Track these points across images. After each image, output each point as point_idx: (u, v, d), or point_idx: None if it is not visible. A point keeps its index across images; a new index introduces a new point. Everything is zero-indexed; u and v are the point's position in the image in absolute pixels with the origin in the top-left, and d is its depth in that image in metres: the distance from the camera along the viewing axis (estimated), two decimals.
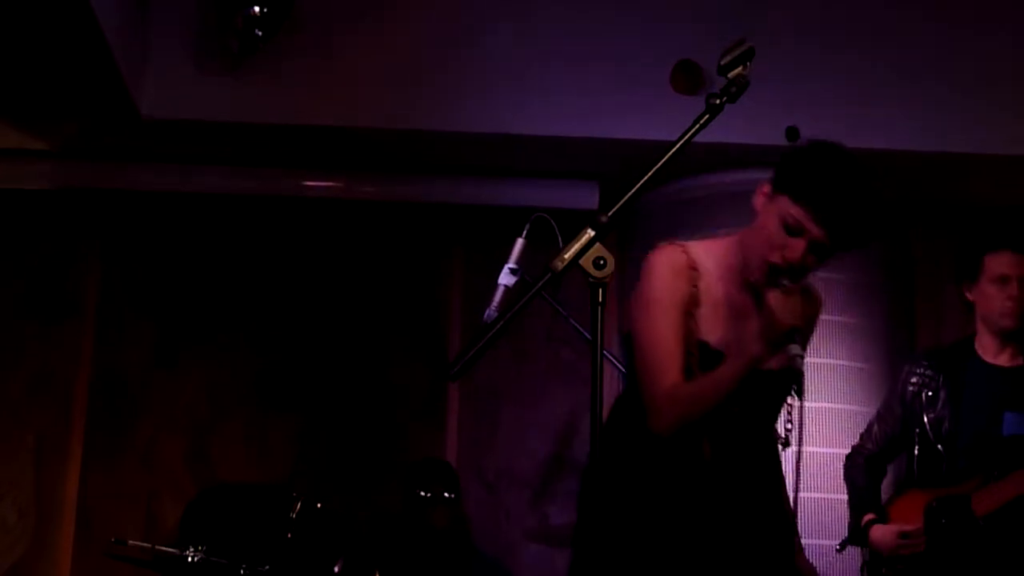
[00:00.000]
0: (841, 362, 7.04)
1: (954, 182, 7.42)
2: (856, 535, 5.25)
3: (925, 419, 5.14)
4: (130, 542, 5.97)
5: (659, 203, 7.27)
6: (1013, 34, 7.00)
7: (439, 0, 6.98)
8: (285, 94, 6.85)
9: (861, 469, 5.40)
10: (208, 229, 7.74)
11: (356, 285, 7.74)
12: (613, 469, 3.57)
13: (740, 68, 3.08)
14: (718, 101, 3.04)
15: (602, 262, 2.82)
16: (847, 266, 7.17)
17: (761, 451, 3.71)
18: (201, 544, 5.70)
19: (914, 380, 5.24)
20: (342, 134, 7.02)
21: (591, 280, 2.83)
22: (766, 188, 3.58)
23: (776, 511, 3.74)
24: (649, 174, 2.99)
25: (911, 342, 7.58)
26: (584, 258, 2.82)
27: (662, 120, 6.60)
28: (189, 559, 5.65)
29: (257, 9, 6.49)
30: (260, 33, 6.55)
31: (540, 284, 2.86)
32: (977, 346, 5.21)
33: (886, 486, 5.50)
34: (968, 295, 5.23)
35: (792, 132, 7.07)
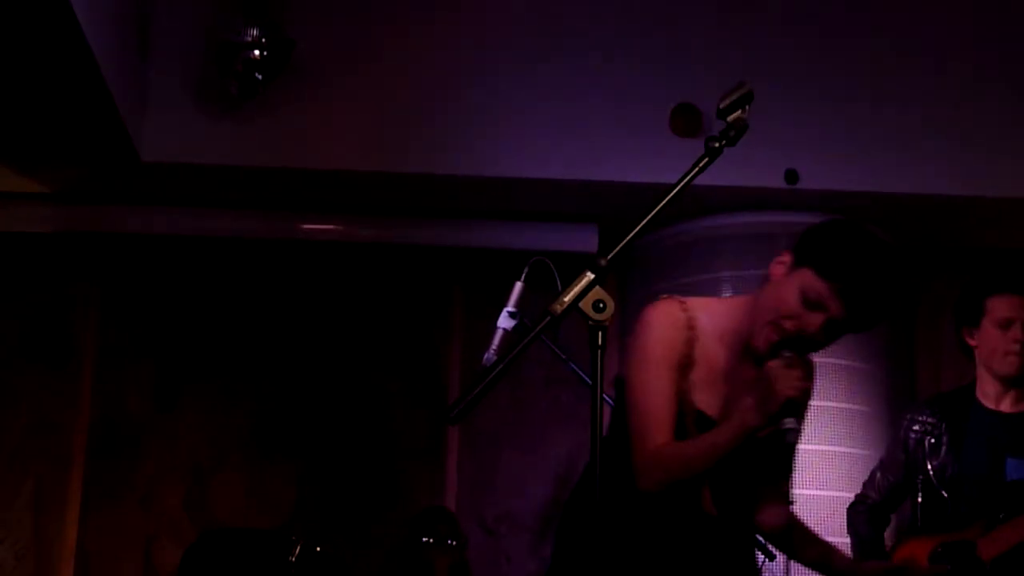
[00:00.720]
0: (840, 405, 7.03)
1: (954, 225, 7.43)
2: None
3: (929, 466, 5.12)
4: None
5: (659, 246, 7.28)
6: (1014, 78, 7.03)
7: (438, 44, 7.00)
8: (284, 138, 6.87)
9: (864, 518, 5.38)
10: (207, 273, 7.75)
11: (355, 329, 7.73)
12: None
13: (739, 112, 3.08)
14: (717, 144, 3.04)
15: (602, 305, 2.81)
16: None
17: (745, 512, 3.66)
18: None
19: (916, 428, 5.22)
20: (341, 177, 7.03)
21: (591, 323, 2.82)
22: (787, 258, 3.52)
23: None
24: (648, 217, 2.98)
25: (910, 385, 7.58)
26: (583, 301, 2.82)
27: (661, 163, 6.62)
28: None
29: (257, 53, 6.52)
30: (260, 77, 6.58)
31: (539, 327, 2.86)
32: (979, 392, 5.18)
33: (889, 534, 5.49)
34: (969, 340, 5.19)
35: (791, 175, 7.13)
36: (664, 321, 3.53)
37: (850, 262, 3.38)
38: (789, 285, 3.45)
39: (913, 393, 7.52)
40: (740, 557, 3.65)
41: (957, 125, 6.95)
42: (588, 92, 6.93)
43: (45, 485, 7.47)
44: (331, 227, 7.54)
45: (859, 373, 7.11)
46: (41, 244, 7.61)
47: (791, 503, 3.82)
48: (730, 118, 3.09)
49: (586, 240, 7.34)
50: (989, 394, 5.15)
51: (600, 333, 2.82)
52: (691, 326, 3.52)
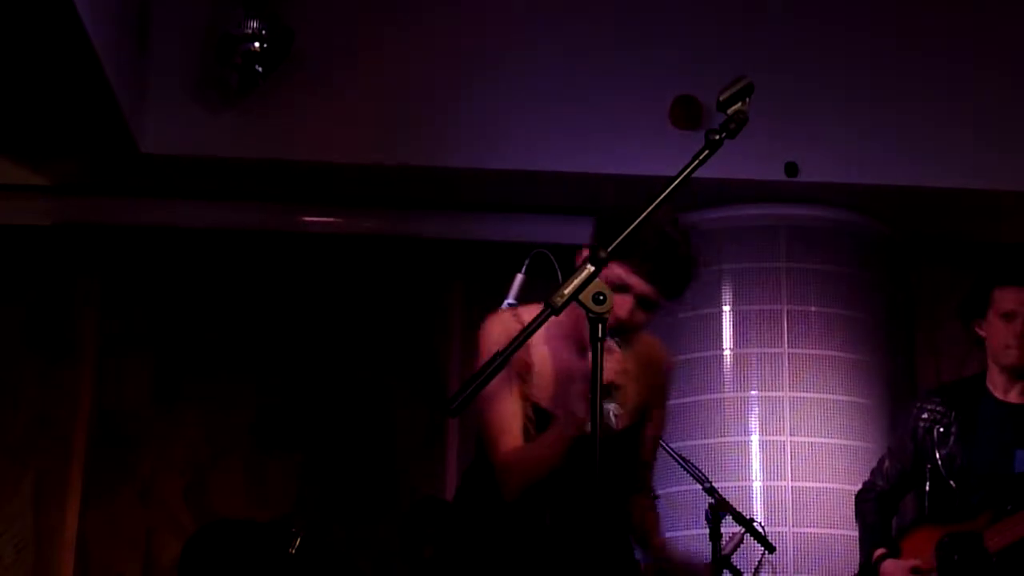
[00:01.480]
0: (840, 397, 7.03)
1: (954, 218, 7.42)
2: (867, 571, 5.22)
3: (937, 455, 5.12)
4: None
5: None
6: (1016, 70, 7.03)
7: (438, 36, 7.00)
8: (284, 130, 6.87)
9: (872, 506, 5.38)
10: (207, 265, 7.74)
11: (355, 321, 7.73)
12: (465, 531, 3.69)
13: (739, 104, 3.07)
14: (717, 137, 3.03)
15: (602, 297, 2.81)
16: (847, 302, 7.18)
17: (602, 514, 3.62)
18: None
19: (925, 416, 5.21)
20: (341, 170, 7.03)
21: (591, 315, 2.82)
22: (584, 252, 3.58)
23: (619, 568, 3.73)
24: (649, 209, 2.98)
25: (910, 377, 7.58)
26: (584, 293, 2.82)
27: (661, 156, 6.62)
28: None
29: (257, 45, 6.52)
30: (260, 69, 6.58)
31: (539, 319, 2.86)
32: (989, 383, 5.18)
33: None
34: (979, 331, 5.20)
35: (791, 168, 7.13)
36: (497, 330, 3.61)
37: (631, 239, 3.25)
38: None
39: (913, 385, 7.52)
40: (586, 565, 3.60)
41: (958, 117, 6.95)
42: (589, 85, 6.93)
43: (45, 478, 7.47)
44: (331, 219, 7.54)
45: (859, 365, 7.11)
46: (41, 236, 7.60)
47: (653, 496, 3.88)
48: (730, 110, 3.08)
49: (587, 232, 7.31)
50: (999, 385, 5.15)
51: (600, 325, 2.82)
52: (524, 348, 3.46)
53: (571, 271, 2.84)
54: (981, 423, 5.10)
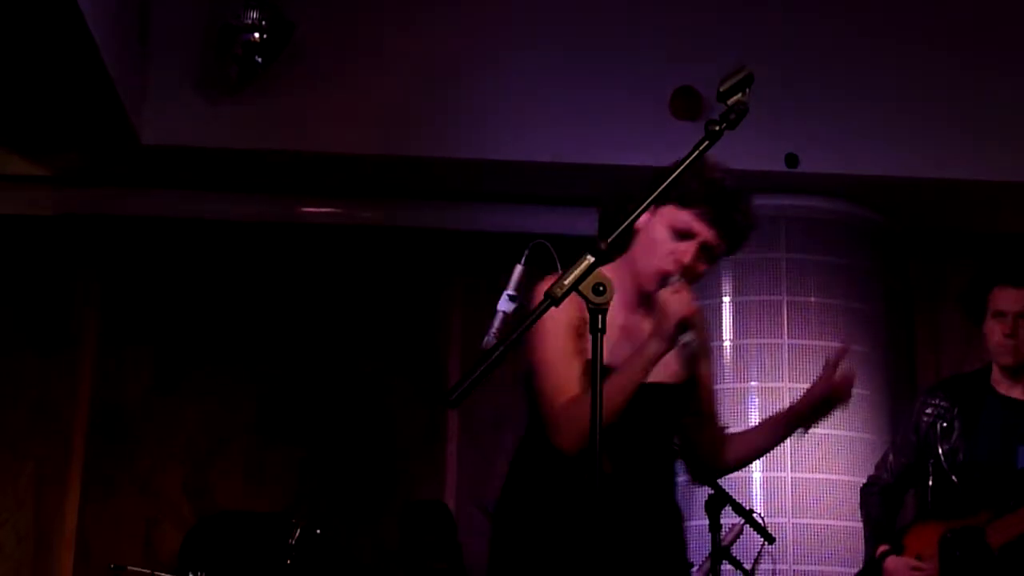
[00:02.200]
0: None
1: (954, 210, 7.42)
2: (871, 567, 5.23)
3: (940, 450, 5.12)
4: (129, 568, 5.98)
5: None
6: (1012, 61, 7.02)
7: (438, 27, 7.00)
8: (284, 121, 6.87)
9: (876, 500, 5.38)
10: (208, 256, 7.74)
11: (355, 312, 7.73)
12: (521, 511, 3.71)
13: (739, 95, 3.07)
14: (717, 127, 3.03)
15: (601, 288, 2.81)
16: (847, 293, 7.18)
17: (659, 466, 3.72)
18: (200, 570, 5.70)
19: (929, 411, 5.22)
20: (341, 161, 7.03)
21: (591, 306, 2.82)
22: (652, 209, 3.63)
23: (673, 524, 3.76)
24: (649, 200, 2.99)
25: (910, 369, 7.58)
26: (583, 284, 2.82)
27: (662, 147, 6.62)
28: None
29: (256, 36, 6.52)
30: (260, 60, 6.58)
31: (540, 310, 2.86)
32: (992, 378, 5.19)
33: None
34: (984, 330, 5.23)
35: (791, 158, 7.13)
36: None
37: (702, 186, 3.57)
38: (655, 229, 3.62)
39: (913, 377, 7.52)
40: (646, 515, 3.67)
41: (958, 110, 6.95)
42: (589, 76, 6.93)
43: (46, 469, 7.47)
44: (331, 210, 7.55)
45: (858, 357, 7.11)
46: (41, 227, 7.60)
47: (725, 427, 3.91)
48: (730, 101, 3.08)
49: (586, 223, 7.31)
50: (1002, 381, 5.16)
51: (600, 316, 2.82)
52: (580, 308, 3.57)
53: (571, 262, 2.84)
54: (984, 418, 5.11)
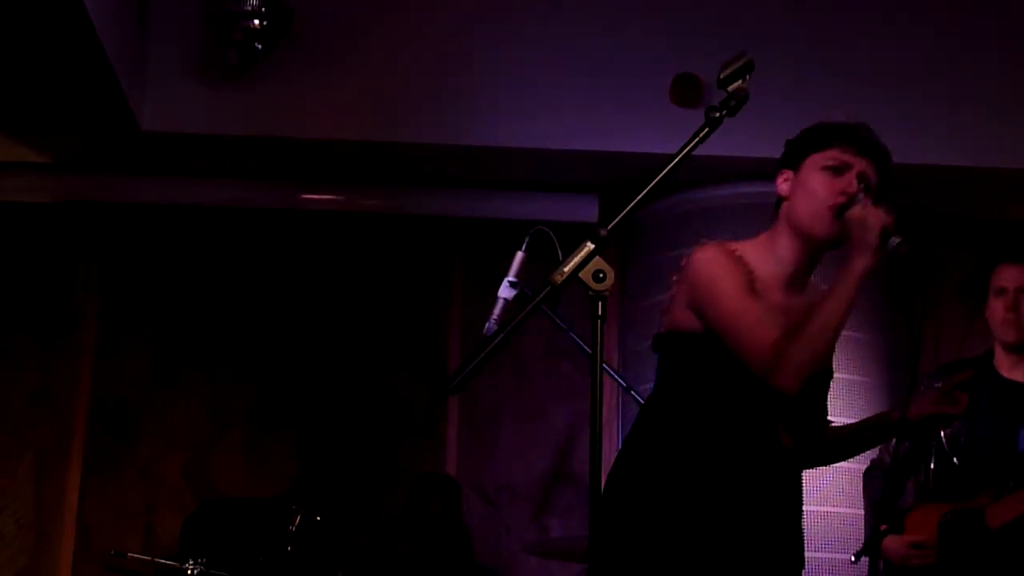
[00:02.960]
0: (841, 375, 7.02)
1: (955, 196, 7.42)
2: (870, 546, 5.24)
3: (941, 433, 5.15)
4: (129, 555, 5.98)
5: (659, 216, 7.27)
6: (1017, 48, 7.01)
7: (439, 14, 6.98)
8: (284, 107, 6.86)
9: (878, 483, 5.40)
10: (208, 242, 7.74)
11: (355, 298, 7.73)
12: (657, 473, 3.54)
13: (739, 81, 3.08)
14: (718, 114, 3.04)
15: (602, 275, 2.81)
16: None
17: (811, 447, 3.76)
18: (201, 557, 5.70)
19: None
20: (342, 147, 7.02)
21: (591, 293, 2.82)
22: (785, 173, 3.68)
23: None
24: (649, 187, 2.99)
25: (912, 355, 7.58)
26: (584, 271, 2.82)
27: (662, 133, 6.62)
28: (189, 572, 5.65)
29: (256, 22, 6.50)
30: (260, 46, 6.56)
31: (540, 297, 2.86)
32: (995, 361, 5.21)
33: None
34: (985, 313, 5.26)
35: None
36: (723, 256, 3.59)
37: (828, 128, 3.67)
38: (808, 179, 3.63)
39: (914, 363, 7.51)
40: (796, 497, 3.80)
41: (960, 96, 6.94)
42: (589, 62, 6.92)
43: (46, 456, 7.47)
44: (331, 197, 7.54)
45: (859, 343, 7.11)
46: (40, 214, 7.60)
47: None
48: (731, 88, 3.09)
49: (587, 210, 7.33)
50: (1004, 363, 5.19)
51: (600, 303, 2.82)
52: (745, 262, 3.60)
53: (571, 248, 2.84)
54: (986, 401, 5.13)
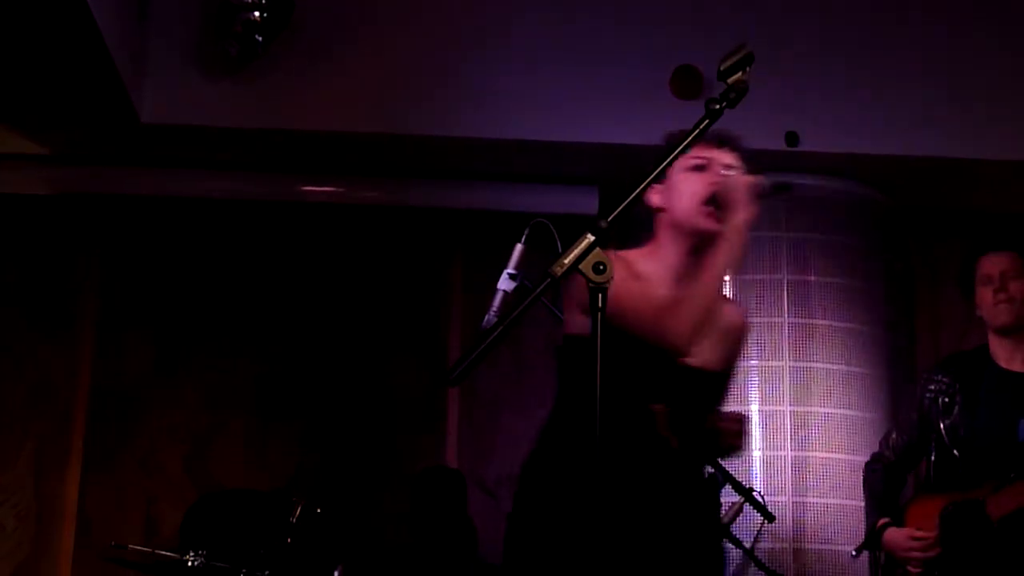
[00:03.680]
0: (840, 367, 7.04)
1: (955, 188, 7.42)
2: (871, 539, 5.25)
3: (941, 425, 5.15)
4: (130, 547, 5.99)
5: None
6: (1014, 41, 7.01)
7: (439, 6, 6.98)
8: (285, 99, 6.86)
9: (879, 476, 5.41)
10: (207, 234, 7.74)
11: (355, 290, 7.73)
12: (548, 479, 3.82)
13: (739, 73, 3.08)
14: (717, 106, 3.04)
15: (602, 267, 2.81)
16: (848, 272, 7.18)
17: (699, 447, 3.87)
18: (201, 549, 5.70)
19: (932, 387, 5.25)
20: (342, 139, 7.02)
21: (591, 285, 2.82)
22: (654, 187, 3.86)
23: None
24: (649, 179, 2.99)
25: (910, 348, 7.59)
26: (584, 263, 2.82)
27: (662, 125, 6.59)
28: (189, 564, 5.65)
29: (257, 14, 6.50)
30: (260, 38, 6.56)
31: (539, 289, 2.86)
32: (992, 353, 5.22)
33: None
34: (976, 306, 5.27)
35: (792, 137, 7.12)
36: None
37: (680, 132, 3.51)
38: (678, 183, 3.86)
39: (912, 355, 7.53)
40: (697, 482, 3.88)
41: (959, 88, 6.94)
42: (589, 55, 6.92)
43: (46, 448, 7.48)
44: (331, 189, 7.54)
45: (859, 335, 7.12)
46: (41, 206, 7.60)
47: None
48: (731, 80, 3.09)
49: (587, 202, 7.33)
50: (1001, 354, 5.19)
51: (600, 295, 2.82)
52: (628, 261, 3.85)
53: (571, 241, 2.84)
54: (985, 392, 5.13)
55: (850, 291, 7.17)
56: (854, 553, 5.47)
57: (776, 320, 7.06)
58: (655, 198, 3.88)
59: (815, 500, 6.76)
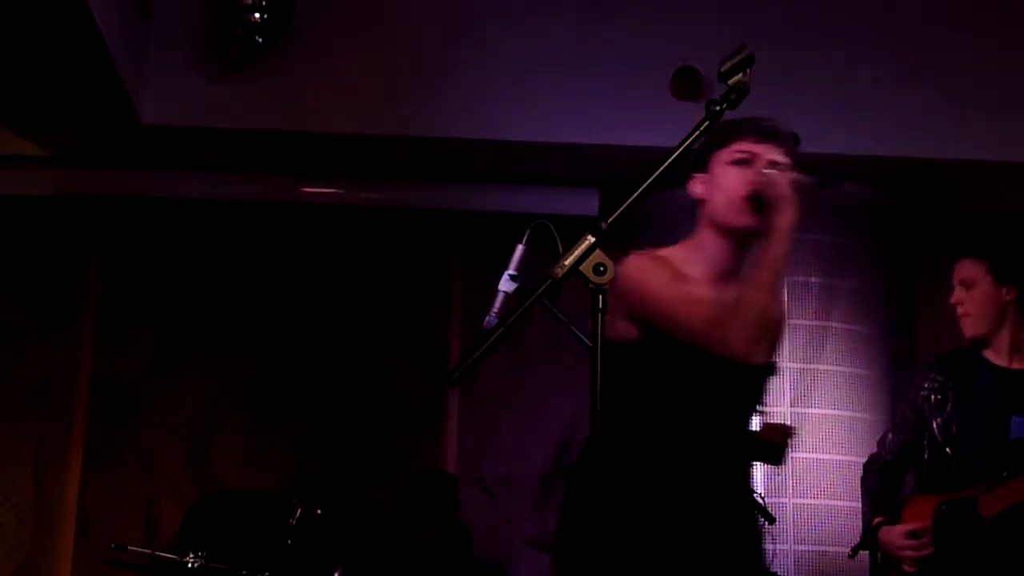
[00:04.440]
0: (840, 368, 7.04)
1: (956, 189, 7.42)
2: (867, 538, 5.25)
3: (934, 423, 5.15)
4: (130, 547, 5.99)
5: (660, 209, 7.27)
6: (1013, 43, 7.01)
7: (439, 8, 6.99)
8: (285, 100, 6.86)
9: (876, 477, 5.41)
10: (208, 235, 7.75)
11: (356, 291, 7.74)
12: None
13: (740, 75, 3.08)
14: (718, 108, 3.04)
15: (602, 268, 2.82)
16: (848, 274, 7.18)
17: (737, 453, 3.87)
18: (201, 550, 5.70)
19: (925, 386, 5.25)
20: (342, 140, 7.02)
21: (591, 286, 2.82)
22: (696, 176, 3.78)
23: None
24: (649, 180, 2.99)
25: (910, 349, 7.59)
26: (584, 264, 2.82)
27: (662, 127, 6.61)
28: (189, 565, 5.66)
29: (257, 16, 6.50)
30: (260, 40, 6.57)
31: (540, 290, 2.86)
32: (984, 350, 5.22)
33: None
34: None
35: (792, 138, 7.09)
36: (646, 259, 3.72)
37: (736, 121, 3.64)
38: (719, 176, 3.75)
39: (913, 356, 7.53)
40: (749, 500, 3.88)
41: (958, 89, 6.94)
42: (589, 56, 6.92)
43: (46, 447, 7.49)
44: (331, 190, 7.54)
45: (859, 337, 7.12)
46: (42, 207, 7.61)
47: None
48: (731, 81, 3.09)
49: (587, 203, 7.34)
50: (992, 353, 5.19)
51: (600, 296, 2.83)
52: (670, 262, 3.72)
53: (572, 242, 2.84)
54: (977, 390, 5.14)
55: (851, 292, 7.17)
56: (850, 554, 5.47)
57: None
58: (697, 188, 3.78)
59: (816, 502, 6.76)
